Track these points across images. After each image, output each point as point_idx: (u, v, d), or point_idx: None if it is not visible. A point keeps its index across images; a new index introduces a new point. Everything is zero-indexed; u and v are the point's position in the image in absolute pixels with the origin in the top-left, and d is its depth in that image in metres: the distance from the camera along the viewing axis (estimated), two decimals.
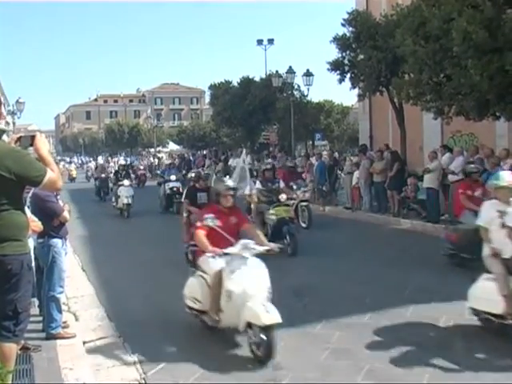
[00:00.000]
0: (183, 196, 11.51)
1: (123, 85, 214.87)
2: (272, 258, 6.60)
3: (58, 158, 73.66)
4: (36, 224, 5.85)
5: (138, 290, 9.33)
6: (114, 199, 20.59)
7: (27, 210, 5.32)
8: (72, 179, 42.65)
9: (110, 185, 24.11)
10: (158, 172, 21.50)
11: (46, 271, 6.56)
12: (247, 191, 13.46)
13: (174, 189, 20.06)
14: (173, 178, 20.91)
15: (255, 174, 26.51)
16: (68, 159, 77.52)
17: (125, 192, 19.55)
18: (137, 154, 68.75)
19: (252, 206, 13.00)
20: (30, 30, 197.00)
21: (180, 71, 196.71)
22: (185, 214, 10.79)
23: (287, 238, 11.63)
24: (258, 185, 13.07)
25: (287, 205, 12.61)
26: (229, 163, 30.44)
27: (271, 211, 12.19)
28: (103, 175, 26.84)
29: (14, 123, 35.29)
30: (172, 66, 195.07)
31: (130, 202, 19.42)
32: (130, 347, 6.45)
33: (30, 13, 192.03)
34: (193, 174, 12.31)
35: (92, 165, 49.88)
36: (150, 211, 20.39)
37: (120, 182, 20.22)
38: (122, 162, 24.07)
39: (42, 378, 5.26)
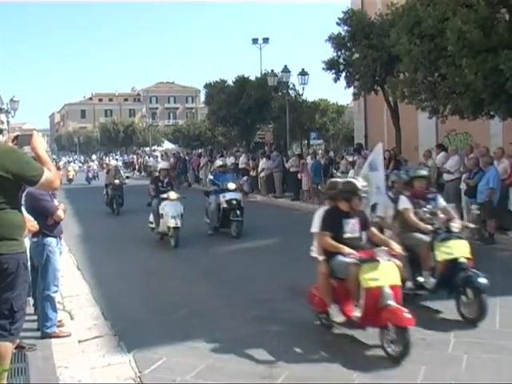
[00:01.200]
0: (316, 224, 6.81)
1: (118, 83, 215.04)
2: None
3: (54, 156, 73.16)
4: (32, 223, 5.85)
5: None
6: (152, 218, 14.17)
7: (23, 210, 5.32)
8: (70, 180, 38.06)
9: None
10: (211, 177, 15.51)
11: (41, 270, 6.56)
12: (380, 212, 8.73)
13: (234, 202, 14.26)
14: (231, 186, 14.60)
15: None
16: (65, 158, 75.21)
17: (172, 210, 13.31)
18: (132, 153, 68.43)
19: (387, 235, 7.79)
20: (25, 29, 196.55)
21: (175, 70, 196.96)
22: (319, 257, 6.75)
23: (466, 293, 6.99)
24: (406, 203, 8.00)
25: (460, 237, 7.65)
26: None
27: (438, 248, 7.45)
28: (117, 181, 20.62)
29: (8, 122, 35.20)
30: (167, 64, 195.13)
31: (179, 224, 13.23)
32: (125, 346, 6.45)
33: (24, 11, 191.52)
34: (333, 181, 7.22)
35: (94, 165, 46.00)
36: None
37: (163, 195, 13.79)
38: (164, 165, 16.74)
39: (37, 377, 5.26)
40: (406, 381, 5.33)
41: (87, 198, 27.08)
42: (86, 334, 6.95)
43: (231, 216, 14.20)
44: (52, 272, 6.57)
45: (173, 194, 13.82)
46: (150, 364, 5.89)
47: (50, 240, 6.59)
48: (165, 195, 13.79)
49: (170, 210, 13.34)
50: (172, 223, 13.18)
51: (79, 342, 6.57)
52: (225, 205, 14.21)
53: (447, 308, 7.39)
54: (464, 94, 13.16)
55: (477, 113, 13.83)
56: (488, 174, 12.40)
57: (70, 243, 13.03)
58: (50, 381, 5.23)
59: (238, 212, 14.21)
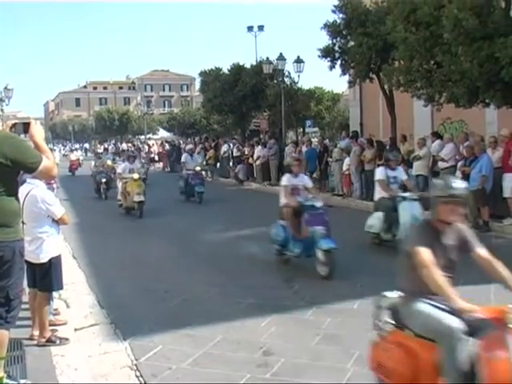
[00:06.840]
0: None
1: (113, 71, 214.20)
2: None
3: (50, 145, 71.84)
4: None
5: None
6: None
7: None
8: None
9: None
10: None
11: None
12: None
13: None
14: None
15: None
16: (60, 145, 65.12)
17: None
18: (127, 141, 68.09)
19: None
20: (19, 17, 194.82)
21: (170, 58, 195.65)
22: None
23: None
24: None
25: None
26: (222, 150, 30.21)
27: None
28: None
29: (2, 110, 34.97)
30: (162, 52, 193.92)
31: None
32: (121, 334, 6.47)
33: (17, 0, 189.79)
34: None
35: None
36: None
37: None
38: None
39: (33, 365, 5.26)
40: None
41: None
42: (82, 322, 6.96)
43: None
44: None
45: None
46: (147, 352, 5.90)
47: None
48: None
49: None
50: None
51: (75, 330, 6.59)
52: None
53: None
54: (459, 81, 13.14)
55: (472, 101, 13.81)
56: (481, 162, 12.43)
57: (65, 232, 13.00)
58: (46, 369, 5.24)
59: None
